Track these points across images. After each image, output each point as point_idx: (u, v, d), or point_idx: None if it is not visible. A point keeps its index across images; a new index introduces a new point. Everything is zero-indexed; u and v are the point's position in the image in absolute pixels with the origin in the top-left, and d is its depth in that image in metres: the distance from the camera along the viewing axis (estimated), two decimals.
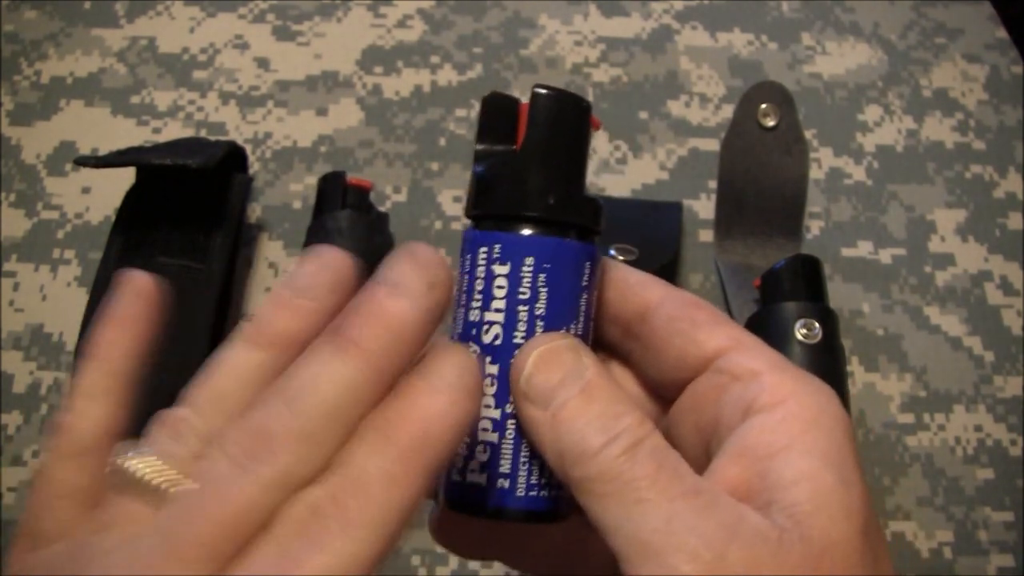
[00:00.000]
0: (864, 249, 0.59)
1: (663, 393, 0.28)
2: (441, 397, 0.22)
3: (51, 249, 0.56)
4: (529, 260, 0.25)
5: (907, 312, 0.57)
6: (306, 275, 0.24)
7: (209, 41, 0.66)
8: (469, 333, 0.26)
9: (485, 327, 0.25)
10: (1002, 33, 0.70)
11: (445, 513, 0.27)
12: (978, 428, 0.53)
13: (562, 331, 0.26)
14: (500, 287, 0.25)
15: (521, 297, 0.25)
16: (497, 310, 0.25)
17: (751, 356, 0.25)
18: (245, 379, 0.24)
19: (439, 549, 0.48)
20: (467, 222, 0.27)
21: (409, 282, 0.22)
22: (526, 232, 0.25)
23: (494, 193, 0.26)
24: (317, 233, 0.52)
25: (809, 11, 0.70)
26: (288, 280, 0.24)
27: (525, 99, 0.26)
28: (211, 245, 0.51)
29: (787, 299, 0.50)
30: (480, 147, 0.26)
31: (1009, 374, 0.55)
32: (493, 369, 0.25)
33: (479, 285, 0.26)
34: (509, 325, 0.25)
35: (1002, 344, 0.56)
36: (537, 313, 0.25)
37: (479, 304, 0.26)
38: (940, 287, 0.58)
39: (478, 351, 0.26)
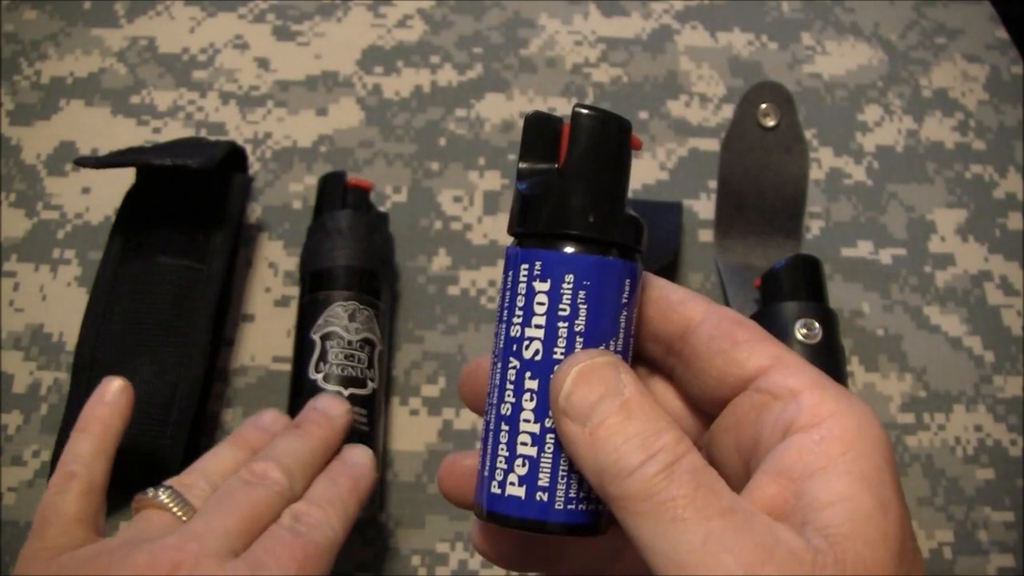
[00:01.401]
0: (864, 249, 0.59)
1: (705, 409, 0.28)
2: (356, 467, 0.40)
3: (51, 249, 0.56)
4: (569, 277, 0.26)
5: (907, 312, 0.57)
6: (265, 417, 0.42)
7: (209, 41, 0.66)
8: (510, 348, 0.26)
9: (526, 343, 0.26)
10: (1002, 33, 0.70)
11: (485, 524, 0.28)
12: (978, 428, 0.53)
13: (601, 347, 0.26)
14: (540, 304, 0.26)
15: (561, 314, 0.26)
16: (537, 326, 0.26)
17: (791, 375, 0.25)
18: (229, 463, 0.39)
19: (439, 549, 0.48)
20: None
21: (331, 408, 0.42)
22: (566, 250, 0.26)
23: (535, 211, 0.26)
24: (317, 233, 0.52)
25: (809, 11, 0.70)
26: (255, 419, 0.42)
27: (565, 118, 0.27)
28: (211, 245, 0.51)
29: (787, 299, 0.50)
30: (523, 165, 0.27)
31: (1009, 374, 0.55)
32: (533, 384, 0.26)
33: (520, 301, 0.26)
34: (549, 341, 0.26)
35: (1002, 344, 0.56)
36: (577, 329, 0.26)
37: (520, 320, 0.26)
38: (940, 287, 0.58)
39: (518, 366, 0.26)
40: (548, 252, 0.26)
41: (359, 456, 0.40)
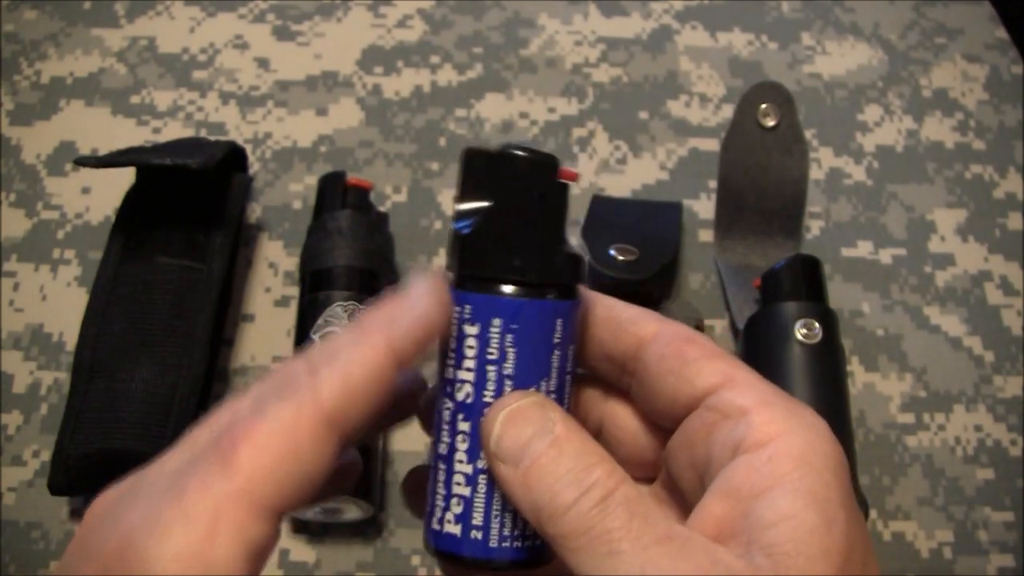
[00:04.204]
0: (864, 249, 0.59)
1: (662, 425, 0.28)
2: (405, 298, 0.25)
3: (51, 249, 0.56)
4: (496, 321, 0.25)
5: (907, 312, 0.57)
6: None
7: (209, 41, 0.66)
8: (445, 389, 0.26)
9: (458, 385, 0.26)
10: (1002, 33, 0.70)
11: None
12: (978, 428, 0.53)
13: (532, 388, 0.26)
14: (470, 347, 0.26)
15: (489, 357, 0.26)
16: (468, 369, 0.26)
17: (741, 393, 0.25)
18: None
19: None
20: None
21: (413, 284, 0.26)
22: (494, 293, 0.26)
23: (466, 252, 0.26)
24: (317, 233, 0.52)
25: (809, 11, 0.70)
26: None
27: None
28: (211, 245, 0.51)
29: (787, 299, 0.50)
30: (459, 205, 0.26)
31: (1009, 374, 0.55)
32: (465, 426, 0.26)
33: (452, 344, 0.26)
34: (479, 384, 0.26)
35: (1002, 344, 0.56)
36: (505, 373, 0.26)
37: (453, 362, 0.26)
38: (940, 287, 0.58)
39: (452, 407, 0.26)
40: (476, 296, 0.26)
41: (410, 286, 0.25)
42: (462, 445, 0.26)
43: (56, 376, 0.52)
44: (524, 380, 0.26)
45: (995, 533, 0.50)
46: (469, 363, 0.26)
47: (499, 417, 0.25)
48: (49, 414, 0.51)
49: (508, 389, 0.26)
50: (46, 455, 0.49)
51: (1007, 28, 0.71)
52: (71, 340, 0.52)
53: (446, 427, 0.26)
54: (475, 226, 0.26)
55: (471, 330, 0.26)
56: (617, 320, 0.28)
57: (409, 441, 0.51)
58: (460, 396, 0.26)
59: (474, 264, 0.26)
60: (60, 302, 0.54)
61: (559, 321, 0.26)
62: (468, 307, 0.26)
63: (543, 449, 0.24)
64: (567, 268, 0.26)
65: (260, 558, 0.23)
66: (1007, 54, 0.69)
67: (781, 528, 0.23)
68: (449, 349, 0.26)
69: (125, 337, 0.48)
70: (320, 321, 0.48)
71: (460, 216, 0.26)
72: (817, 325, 0.48)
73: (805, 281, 0.51)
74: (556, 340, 0.26)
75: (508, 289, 0.26)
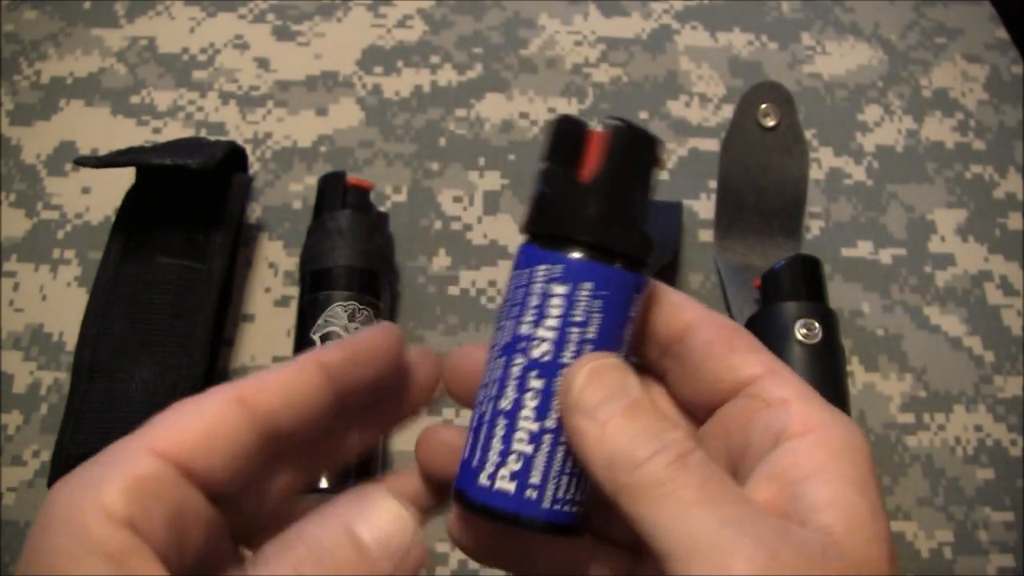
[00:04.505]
0: (864, 249, 0.59)
1: (695, 412, 0.29)
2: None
3: (51, 249, 0.56)
4: (588, 285, 0.26)
5: (907, 312, 0.57)
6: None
7: (209, 41, 0.66)
8: (517, 345, 0.27)
9: (535, 342, 0.26)
10: (1002, 33, 0.70)
11: (464, 513, 0.28)
12: (978, 428, 0.53)
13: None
14: (556, 307, 0.26)
15: (574, 320, 0.26)
16: (549, 328, 0.26)
17: (782, 385, 0.26)
18: None
19: (439, 549, 0.48)
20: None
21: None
22: (588, 258, 0.26)
23: (559, 215, 0.27)
24: (317, 233, 0.52)
25: (809, 11, 0.70)
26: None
27: (592, 125, 0.27)
28: (211, 245, 0.51)
29: (787, 299, 0.50)
30: (546, 167, 0.27)
31: (1009, 374, 0.55)
32: (537, 384, 0.26)
33: (534, 301, 0.26)
34: (559, 344, 0.26)
35: (1002, 344, 0.56)
36: (587, 337, 0.26)
37: (532, 319, 0.26)
38: (940, 287, 0.58)
39: (525, 363, 0.26)
40: (570, 258, 0.26)
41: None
42: (531, 402, 0.26)
43: (56, 376, 0.52)
44: (602, 347, 0.26)
45: (995, 533, 0.50)
46: (552, 322, 0.26)
47: (584, 371, 0.26)
48: (49, 414, 0.51)
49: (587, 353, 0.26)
50: (46, 455, 0.49)
51: (1007, 28, 0.71)
52: (71, 340, 0.52)
53: (513, 382, 0.27)
54: (570, 189, 0.27)
55: (559, 289, 0.26)
56: (668, 303, 0.29)
57: (409, 442, 0.51)
58: (536, 353, 0.26)
59: (567, 226, 0.27)
60: (60, 302, 0.54)
61: (637, 296, 0.27)
62: (559, 267, 0.26)
63: (621, 408, 0.25)
64: (651, 245, 0.27)
65: (141, 496, 0.23)
66: (1007, 54, 0.69)
67: (834, 510, 0.24)
68: (528, 306, 0.27)
69: (125, 337, 0.48)
70: (320, 321, 0.48)
71: (547, 177, 0.27)
72: (817, 325, 0.48)
73: (805, 281, 0.51)
74: (632, 314, 0.27)
75: (601, 257, 0.26)
